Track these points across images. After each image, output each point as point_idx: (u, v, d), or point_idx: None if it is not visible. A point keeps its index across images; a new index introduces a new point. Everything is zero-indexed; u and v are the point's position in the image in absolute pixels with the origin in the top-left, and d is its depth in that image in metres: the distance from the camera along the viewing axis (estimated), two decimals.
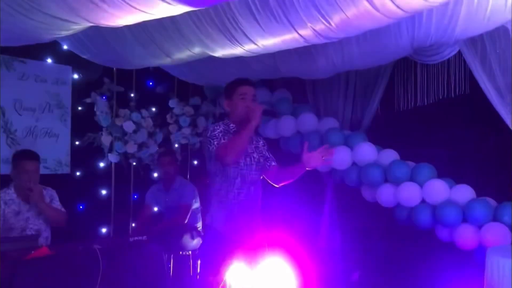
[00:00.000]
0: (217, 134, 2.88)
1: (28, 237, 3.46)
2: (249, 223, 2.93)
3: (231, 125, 2.97)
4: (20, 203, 3.59)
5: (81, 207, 4.84)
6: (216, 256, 2.84)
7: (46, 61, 4.63)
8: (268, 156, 3.12)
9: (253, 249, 2.91)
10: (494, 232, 3.82)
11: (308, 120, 4.91)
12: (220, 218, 2.91)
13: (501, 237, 3.76)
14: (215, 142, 2.85)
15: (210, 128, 2.96)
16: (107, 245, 3.36)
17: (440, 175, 4.24)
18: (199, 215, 4.66)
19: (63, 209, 3.79)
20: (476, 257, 3.91)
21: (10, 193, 3.59)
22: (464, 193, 4.07)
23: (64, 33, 3.01)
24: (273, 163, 3.11)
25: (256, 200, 3.01)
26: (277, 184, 3.11)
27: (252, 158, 2.99)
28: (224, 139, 2.85)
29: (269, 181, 3.10)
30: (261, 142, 3.14)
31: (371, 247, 4.71)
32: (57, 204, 3.78)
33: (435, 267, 4.21)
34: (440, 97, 4.39)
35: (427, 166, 4.27)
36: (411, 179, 4.26)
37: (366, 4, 2.55)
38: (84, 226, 4.56)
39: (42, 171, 4.20)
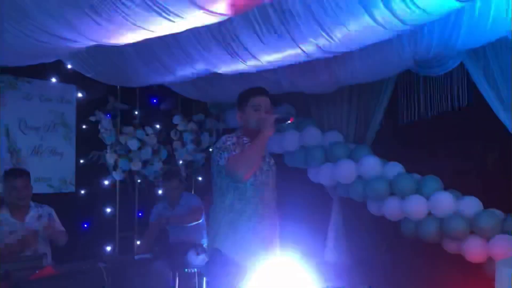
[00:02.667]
0: (228, 146, 2.61)
1: (33, 257, 3.44)
2: (265, 248, 2.65)
3: (244, 138, 2.71)
4: (14, 222, 3.57)
5: (85, 225, 4.83)
6: (227, 284, 2.57)
7: (51, 81, 4.67)
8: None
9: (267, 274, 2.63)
10: (503, 244, 3.77)
11: (312, 134, 4.90)
12: (230, 242, 2.60)
13: (510, 249, 3.71)
14: (226, 155, 2.58)
15: (221, 139, 2.69)
16: (112, 263, 3.35)
17: (446, 187, 4.21)
18: (204, 231, 4.63)
19: (62, 228, 3.78)
20: (485, 270, 3.86)
21: (4, 213, 3.57)
22: (471, 205, 4.03)
23: (68, 52, 3.03)
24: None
25: (273, 222, 2.73)
26: None
27: (268, 176, 2.75)
28: (235, 151, 2.59)
29: None
30: (273, 161, 2.88)
31: (379, 261, 4.66)
32: (56, 222, 3.77)
33: (444, 281, 4.15)
34: (444, 109, 4.38)
35: (433, 178, 4.24)
36: (417, 191, 4.22)
37: (367, 17, 2.56)
38: (89, 245, 4.55)
39: (47, 190, 4.22)
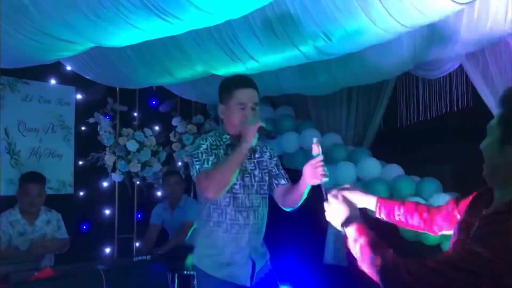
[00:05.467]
0: (200, 154, 2.24)
1: (32, 258, 3.45)
2: (247, 263, 2.32)
3: (225, 136, 2.37)
4: (24, 224, 3.60)
5: (84, 227, 4.82)
6: None
7: (50, 82, 4.67)
8: (277, 172, 2.47)
9: None
10: None
11: (311, 136, 4.89)
12: (208, 258, 2.31)
13: None
14: (197, 166, 2.22)
15: (196, 143, 2.33)
16: (111, 265, 3.34)
17: (445, 190, 4.21)
18: None
19: (66, 235, 3.79)
20: None
21: (15, 214, 3.60)
22: None
23: (67, 54, 3.03)
24: (282, 181, 2.46)
25: (258, 231, 2.38)
26: (285, 207, 2.44)
27: (253, 176, 2.37)
28: (207, 162, 2.22)
29: (278, 204, 2.48)
30: (268, 154, 2.49)
31: None
32: (62, 230, 3.79)
33: None
34: (443, 111, 4.38)
35: (432, 180, 4.24)
36: (416, 194, 4.22)
37: (366, 19, 2.57)
38: (87, 246, 4.54)
39: (46, 191, 4.20)
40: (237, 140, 2.28)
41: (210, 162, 2.23)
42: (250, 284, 2.32)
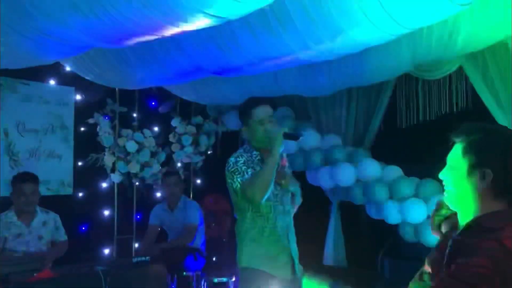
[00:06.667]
0: (240, 168, 2.61)
1: (31, 259, 3.44)
2: (289, 259, 2.68)
3: (254, 152, 2.71)
4: (21, 225, 3.58)
5: (83, 228, 4.82)
6: None
7: (49, 83, 4.66)
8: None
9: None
10: None
11: (311, 137, 4.91)
12: (258, 257, 2.63)
13: None
14: (239, 179, 2.59)
15: (231, 161, 2.65)
16: (110, 266, 3.34)
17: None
18: (203, 235, 4.63)
19: (64, 237, 3.78)
20: None
21: (11, 216, 3.58)
22: None
23: (68, 54, 3.03)
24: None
25: (292, 231, 2.76)
26: None
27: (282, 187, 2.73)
28: (247, 173, 2.59)
29: None
30: (286, 165, 2.82)
31: (377, 265, 4.65)
32: (61, 231, 3.78)
33: None
34: (443, 112, 4.38)
35: (431, 181, 4.24)
36: (416, 195, 4.22)
37: (366, 20, 2.56)
38: (86, 247, 4.54)
39: (45, 192, 4.21)
40: (266, 153, 2.62)
41: (249, 173, 2.59)
42: (291, 277, 2.66)
